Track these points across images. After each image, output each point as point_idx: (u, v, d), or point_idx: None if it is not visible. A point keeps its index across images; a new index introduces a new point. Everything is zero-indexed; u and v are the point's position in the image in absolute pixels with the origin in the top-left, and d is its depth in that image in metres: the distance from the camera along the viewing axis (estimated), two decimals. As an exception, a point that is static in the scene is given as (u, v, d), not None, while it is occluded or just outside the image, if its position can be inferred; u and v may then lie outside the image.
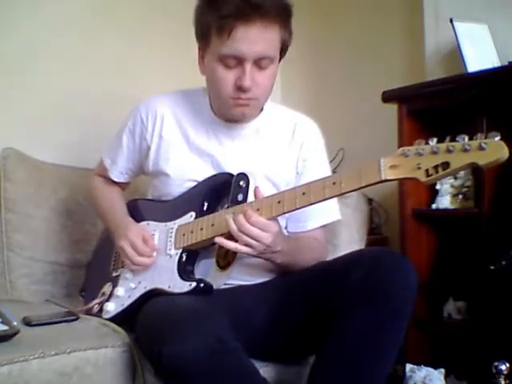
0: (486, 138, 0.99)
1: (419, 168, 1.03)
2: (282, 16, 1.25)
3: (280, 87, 2.62)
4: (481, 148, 0.98)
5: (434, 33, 1.92)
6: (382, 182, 1.07)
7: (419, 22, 1.98)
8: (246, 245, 1.18)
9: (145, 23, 2.19)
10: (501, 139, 0.98)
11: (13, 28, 1.97)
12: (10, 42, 1.96)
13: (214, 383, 1.06)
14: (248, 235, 1.17)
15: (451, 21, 1.72)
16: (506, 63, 1.67)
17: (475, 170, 1.67)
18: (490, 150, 0.97)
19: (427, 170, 1.02)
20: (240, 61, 1.23)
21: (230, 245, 1.20)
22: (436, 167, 1.01)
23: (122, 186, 1.56)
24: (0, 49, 1.94)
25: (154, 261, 1.33)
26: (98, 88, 2.10)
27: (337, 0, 2.44)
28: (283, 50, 1.31)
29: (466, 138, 1.00)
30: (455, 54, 1.74)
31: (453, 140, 1.02)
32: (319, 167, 1.42)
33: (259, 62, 1.24)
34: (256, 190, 1.24)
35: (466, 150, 0.99)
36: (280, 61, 1.33)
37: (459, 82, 1.68)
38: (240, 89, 1.25)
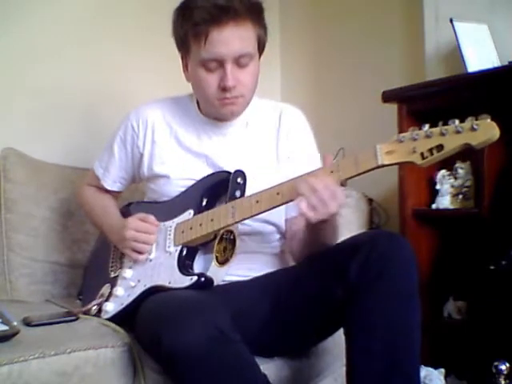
0: (477, 119, 1.02)
1: (414, 152, 1.06)
2: (253, 13, 1.29)
3: (280, 87, 2.63)
4: (473, 129, 1.01)
5: (434, 33, 1.92)
6: (378, 167, 1.10)
7: (419, 22, 1.98)
8: (311, 207, 1.11)
9: (144, 24, 2.20)
10: (494, 124, 1.01)
11: (13, 29, 1.97)
12: (10, 43, 1.96)
13: (214, 372, 1.07)
14: (317, 196, 1.10)
15: (451, 21, 1.72)
16: (506, 63, 1.67)
17: (475, 169, 1.68)
18: (482, 130, 1.01)
19: (422, 153, 1.05)
20: (220, 62, 1.28)
21: (301, 204, 1.11)
22: (431, 150, 1.05)
23: (114, 194, 1.56)
24: (0, 49, 1.95)
25: (154, 253, 1.33)
26: (97, 88, 2.10)
27: (337, 0, 2.44)
28: (260, 46, 1.35)
29: (458, 122, 1.04)
30: (455, 53, 1.74)
31: (445, 125, 1.05)
32: (307, 150, 1.46)
33: (239, 61, 1.29)
34: (325, 156, 1.19)
35: (458, 132, 1.03)
36: (260, 57, 1.37)
37: (459, 82, 1.68)
38: (224, 89, 1.29)
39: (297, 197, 1.13)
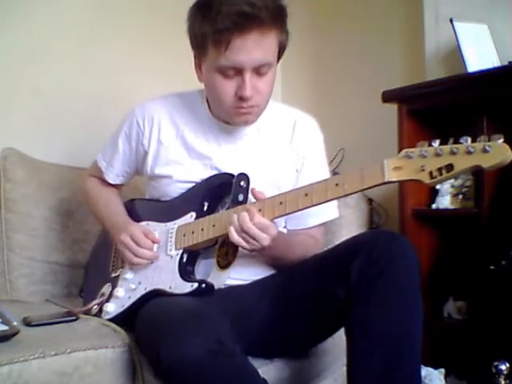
0: (489, 139, 0.98)
1: (423, 170, 1.03)
2: (277, 21, 1.24)
3: (280, 87, 2.63)
4: (485, 151, 0.97)
5: (434, 33, 1.92)
6: (385, 183, 1.07)
7: (419, 22, 1.98)
8: (245, 241, 1.20)
9: (145, 25, 2.20)
10: (504, 141, 0.98)
11: (13, 29, 1.97)
12: (10, 43, 1.96)
13: None
14: (248, 234, 1.18)
15: (451, 21, 1.72)
16: (506, 63, 1.67)
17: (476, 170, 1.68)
18: (494, 152, 0.97)
19: (431, 173, 1.02)
20: (239, 71, 1.23)
21: (234, 235, 1.20)
22: (440, 169, 1.01)
23: (117, 187, 1.55)
24: (0, 50, 1.95)
25: (156, 255, 1.33)
26: (97, 88, 2.10)
27: (337, 0, 2.44)
28: (280, 52, 1.31)
29: (469, 140, 1.00)
30: (455, 53, 1.74)
31: (456, 142, 1.02)
32: (317, 164, 1.44)
33: (258, 70, 1.24)
34: (253, 190, 1.24)
35: (469, 153, 0.99)
36: (278, 62, 1.32)
37: (459, 82, 1.68)
38: (241, 98, 1.25)
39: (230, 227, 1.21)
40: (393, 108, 1.82)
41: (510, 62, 1.65)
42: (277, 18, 1.23)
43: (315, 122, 1.47)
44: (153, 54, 2.19)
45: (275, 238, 1.22)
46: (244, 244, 1.20)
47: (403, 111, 1.79)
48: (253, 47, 1.20)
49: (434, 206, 1.78)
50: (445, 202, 1.74)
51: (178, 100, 1.43)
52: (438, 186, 1.77)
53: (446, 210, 1.74)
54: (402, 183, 1.78)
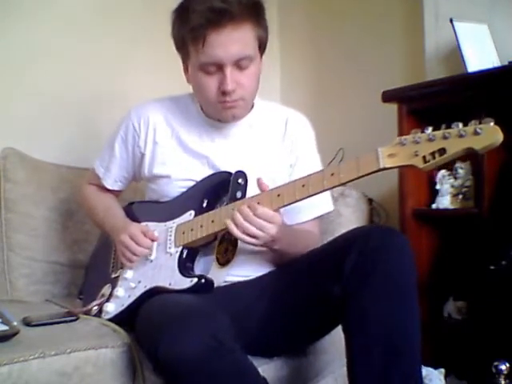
0: (480, 123, 1.01)
1: (416, 155, 1.05)
2: (252, 14, 1.27)
3: (280, 87, 2.63)
4: (476, 133, 1.00)
5: (434, 33, 1.92)
6: (380, 170, 1.09)
7: (419, 22, 1.98)
8: (251, 235, 1.20)
9: (144, 24, 2.20)
10: (495, 124, 1.00)
11: (12, 29, 1.97)
12: (10, 42, 1.96)
13: (212, 382, 1.06)
14: (254, 225, 1.19)
15: (451, 21, 1.72)
16: (506, 63, 1.67)
17: (475, 169, 1.68)
18: (485, 134, 1.00)
19: (424, 157, 1.04)
20: (219, 66, 1.26)
21: (236, 232, 1.20)
22: (433, 153, 1.03)
23: (115, 193, 1.56)
24: (0, 50, 1.95)
25: (154, 254, 1.33)
26: (97, 88, 2.10)
27: (337, 0, 2.44)
28: (261, 47, 1.33)
29: (461, 125, 1.03)
30: (455, 53, 1.74)
31: (448, 128, 1.04)
32: (311, 159, 1.46)
33: (239, 63, 1.27)
34: (259, 181, 1.24)
35: (461, 136, 1.01)
36: (261, 58, 1.35)
37: (459, 82, 1.68)
38: (224, 93, 1.28)
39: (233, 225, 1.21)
40: (393, 108, 1.82)
41: (510, 62, 1.65)
42: (251, 11, 1.26)
43: (307, 120, 1.49)
44: (151, 53, 2.20)
45: (282, 227, 1.23)
46: (250, 239, 1.21)
47: (403, 111, 1.79)
48: (228, 41, 1.24)
49: (434, 206, 1.77)
50: (445, 201, 1.74)
51: (171, 103, 1.47)
52: (437, 186, 1.77)
53: (445, 210, 1.74)
54: (401, 182, 1.79)
